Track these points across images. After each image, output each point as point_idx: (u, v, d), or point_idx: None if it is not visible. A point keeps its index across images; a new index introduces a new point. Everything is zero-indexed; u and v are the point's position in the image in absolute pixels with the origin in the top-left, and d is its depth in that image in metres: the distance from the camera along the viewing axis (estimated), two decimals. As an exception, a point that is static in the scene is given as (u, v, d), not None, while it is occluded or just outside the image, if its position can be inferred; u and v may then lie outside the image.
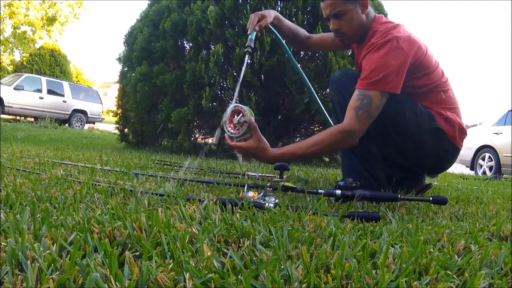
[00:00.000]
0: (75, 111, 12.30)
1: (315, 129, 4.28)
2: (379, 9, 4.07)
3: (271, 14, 1.65)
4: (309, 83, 2.03)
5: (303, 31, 1.84)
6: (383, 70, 1.34)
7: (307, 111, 3.75)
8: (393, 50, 1.35)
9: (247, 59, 1.59)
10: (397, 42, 1.35)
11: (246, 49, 1.59)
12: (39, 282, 0.53)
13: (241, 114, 1.36)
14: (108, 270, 0.55)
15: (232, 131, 1.37)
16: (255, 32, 1.58)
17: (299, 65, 2.02)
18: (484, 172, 6.62)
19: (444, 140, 1.48)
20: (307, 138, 1.43)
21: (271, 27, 1.71)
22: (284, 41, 1.87)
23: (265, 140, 1.37)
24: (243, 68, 1.58)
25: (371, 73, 1.35)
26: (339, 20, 1.49)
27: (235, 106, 1.38)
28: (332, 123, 1.75)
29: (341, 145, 1.41)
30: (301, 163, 3.87)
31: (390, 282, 0.58)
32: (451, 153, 1.54)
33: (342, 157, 1.71)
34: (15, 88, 10.80)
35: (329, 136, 1.38)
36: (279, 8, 3.65)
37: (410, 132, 1.46)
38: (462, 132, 1.51)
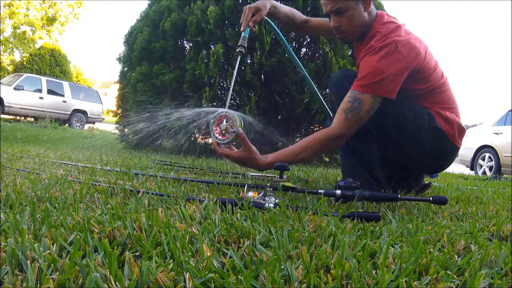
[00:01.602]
0: (75, 111, 12.31)
1: (315, 129, 4.28)
2: (379, 9, 4.06)
3: (266, 5, 1.55)
4: (309, 77, 1.99)
5: (299, 15, 1.78)
6: (379, 74, 1.33)
7: (307, 111, 3.74)
8: (391, 55, 1.33)
9: (238, 60, 1.49)
10: (396, 47, 1.33)
11: (238, 49, 1.47)
12: (39, 282, 0.53)
13: (230, 121, 1.31)
14: (108, 270, 0.55)
15: (218, 136, 1.32)
16: (249, 29, 1.49)
17: (298, 59, 1.97)
18: (484, 172, 6.61)
19: (443, 140, 1.48)
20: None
21: (267, 18, 1.62)
22: (283, 38, 1.84)
23: (255, 149, 1.35)
24: (235, 71, 1.51)
25: (366, 76, 1.34)
26: (339, 17, 1.45)
27: (223, 112, 1.33)
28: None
29: (329, 149, 1.43)
30: (301, 163, 3.87)
31: (390, 282, 0.58)
32: (450, 152, 1.54)
33: (341, 158, 1.71)
34: (15, 88, 10.81)
35: (317, 142, 1.38)
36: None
37: (410, 132, 1.46)
38: (461, 131, 1.51)
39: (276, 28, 1.79)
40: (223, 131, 1.32)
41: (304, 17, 1.80)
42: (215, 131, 1.33)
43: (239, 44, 1.47)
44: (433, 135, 1.46)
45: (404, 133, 1.46)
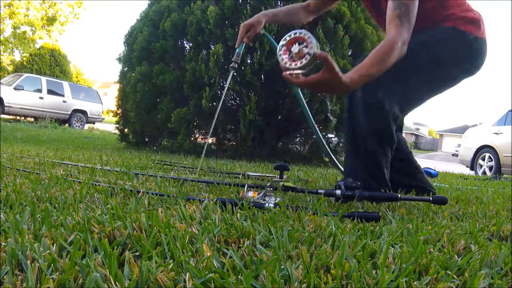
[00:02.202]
0: (75, 111, 12.30)
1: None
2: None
3: (260, 20, 1.54)
4: (305, 104, 1.94)
5: (300, 6, 1.73)
6: None
7: (307, 111, 3.74)
8: None
9: (231, 75, 1.58)
10: None
11: (231, 65, 1.56)
12: (39, 282, 0.53)
13: (304, 44, 1.11)
14: (108, 270, 0.55)
15: (287, 61, 1.12)
16: (243, 45, 1.52)
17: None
18: (484, 172, 6.61)
19: (477, 43, 1.51)
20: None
21: (266, 34, 1.65)
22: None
23: (337, 66, 1.16)
24: (227, 84, 1.59)
25: None
26: None
27: (296, 33, 1.12)
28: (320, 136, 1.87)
29: (398, 56, 1.32)
30: (301, 163, 3.87)
31: (390, 282, 0.58)
32: (483, 49, 1.56)
33: (346, 159, 1.70)
34: (15, 88, 10.80)
35: (385, 52, 1.28)
36: (279, 8, 3.65)
37: (449, 63, 1.49)
38: (482, 23, 1.55)
39: (273, 40, 1.76)
40: (294, 56, 1.12)
41: (305, 3, 1.76)
42: (284, 53, 1.14)
43: (232, 60, 1.56)
44: (469, 47, 1.50)
45: (444, 64, 1.49)
